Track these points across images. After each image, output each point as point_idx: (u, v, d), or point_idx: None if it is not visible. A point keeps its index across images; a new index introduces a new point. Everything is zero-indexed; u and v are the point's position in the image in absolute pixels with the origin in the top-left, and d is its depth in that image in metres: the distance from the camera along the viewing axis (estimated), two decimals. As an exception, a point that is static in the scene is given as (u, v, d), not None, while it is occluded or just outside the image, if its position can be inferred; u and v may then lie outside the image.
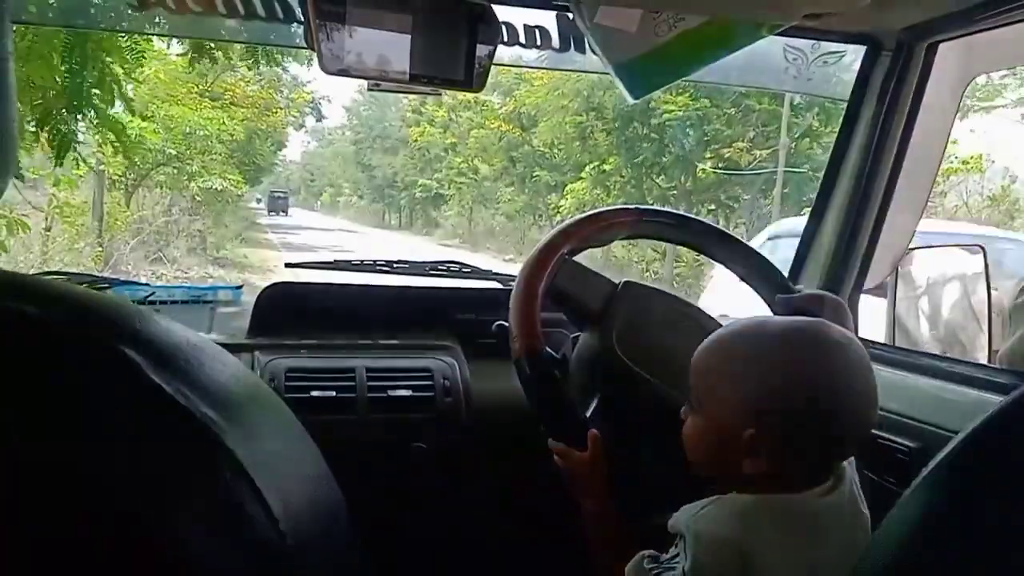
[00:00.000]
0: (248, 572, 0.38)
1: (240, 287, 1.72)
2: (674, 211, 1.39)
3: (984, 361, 1.60)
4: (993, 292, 1.56)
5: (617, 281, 1.27)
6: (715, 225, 1.41)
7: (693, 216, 1.41)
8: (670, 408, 1.14)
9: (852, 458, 0.91)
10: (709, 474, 0.91)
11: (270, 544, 0.38)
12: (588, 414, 1.13)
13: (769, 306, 1.35)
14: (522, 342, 1.14)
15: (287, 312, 1.48)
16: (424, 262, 1.73)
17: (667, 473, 1.07)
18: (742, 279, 1.38)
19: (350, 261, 1.69)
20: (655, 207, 1.41)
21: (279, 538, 0.38)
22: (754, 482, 0.84)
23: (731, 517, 0.83)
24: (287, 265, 1.69)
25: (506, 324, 1.27)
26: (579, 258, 1.29)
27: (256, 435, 0.43)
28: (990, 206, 11.37)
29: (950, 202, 11.54)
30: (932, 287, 1.74)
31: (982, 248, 1.66)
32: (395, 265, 1.70)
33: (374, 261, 1.70)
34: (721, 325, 1.30)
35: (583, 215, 1.31)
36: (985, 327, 1.60)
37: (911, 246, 1.71)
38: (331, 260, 1.68)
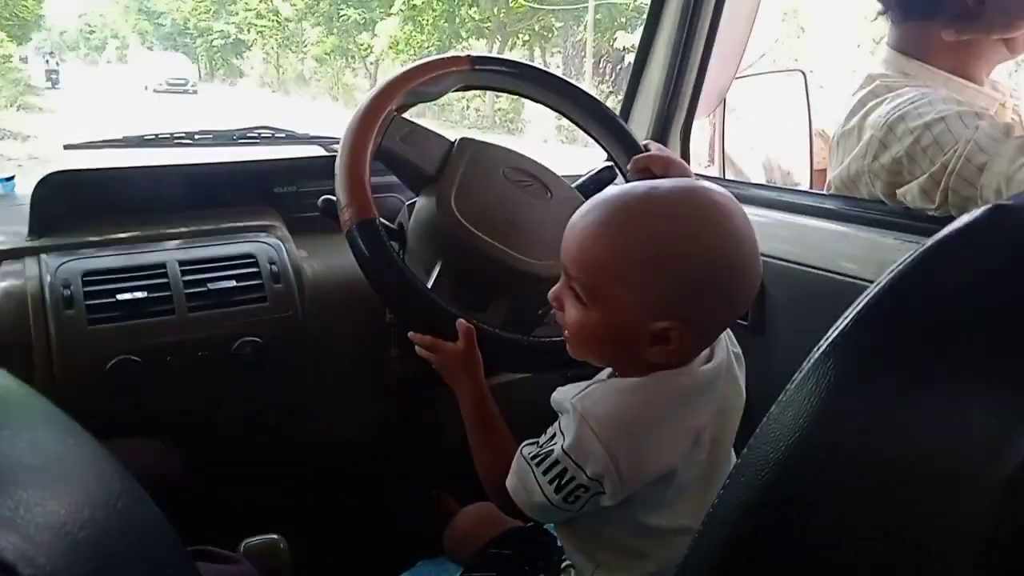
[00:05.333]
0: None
1: (11, 177, 1.47)
2: (511, 58, 1.27)
3: (806, 187, 1.65)
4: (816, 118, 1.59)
5: (452, 139, 1.18)
6: (557, 74, 1.29)
7: (532, 64, 1.29)
8: (514, 270, 1.09)
9: None
10: (610, 363, 0.85)
11: None
12: (430, 284, 1.06)
13: (616, 165, 1.30)
14: (352, 211, 1.03)
15: (74, 204, 1.28)
16: (230, 130, 1.53)
17: (516, 336, 1.04)
18: (589, 134, 1.30)
19: (143, 136, 1.48)
20: (489, 55, 1.28)
21: None
22: (653, 367, 0.79)
23: (619, 396, 0.79)
24: (66, 147, 1.45)
25: (333, 197, 1.16)
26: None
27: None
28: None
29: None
30: (756, 116, 1.75)
31: (803, 73, 1.67)
32: (196, 136, 1.50)
33: (171, 134, 1.49)
34: (561, 179, 1.24)
35: (409, 66, 1.18)
36: (807, 154, 1.64)
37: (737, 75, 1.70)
38: (119, 136, 1.46)
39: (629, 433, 0.77)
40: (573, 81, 1.32)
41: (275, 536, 1.04)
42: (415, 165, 1.14)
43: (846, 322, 0.46)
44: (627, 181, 1.29)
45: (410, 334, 1.01)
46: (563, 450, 0.78)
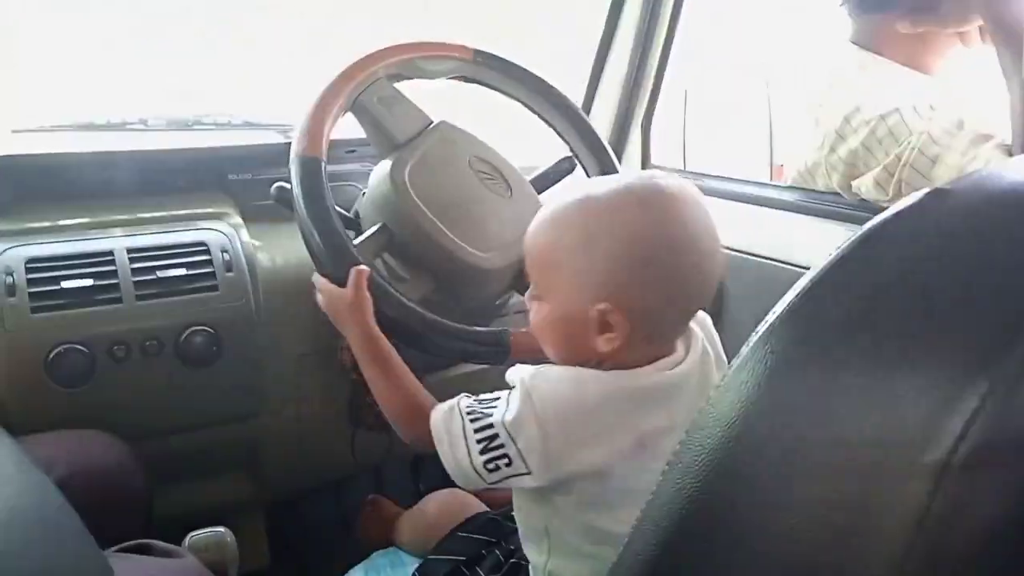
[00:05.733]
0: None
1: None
2: (515, 61, 1.25)
3: (767, 179, 1.66)
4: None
5: (434, 119, 1.16)
6: (555, 86, 1.27)
7: (534, 71, 1.26)
8: (448, 253, 1.06)
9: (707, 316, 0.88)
10: (565, 362, 0.82)
11: None
12: (358, 241, 1.03)
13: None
14: (303, 143, 1.01)
15: (19, 190, 1.24)
16: (185, 117, 1.51)
17: (437, 320, 1.00)
18: (571, 149, 1.29)
19: (93, 121, 1.44)
20: (494, 52, 1.25)
21: None
22: (607, 361, 0.78)
23: (569, 380, 0.78)
24: (14, 132, 1.41)
25: (286, 184, 1.14)
26: None
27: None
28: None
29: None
30: (716, 107, 1.75)
31: (764, 69, 1.68)
32: (150, 122, 1.47)
33: (123, 120, 1.46)
34: (527, 182, 1.23)
35: (413, 40, 1.18)
36: (768, 144, 1.65)
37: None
38: (69, 122, 1.43)
39: (566, 417, 0.76)
40: (568, 97, 1.30)
41: (221, 529, 1.02)
42: (385, 129, 1.13)
43: (783, 307, 0.46)
44: None
45: (313, 276, 0.99)
46: (501, 420, 0.77)
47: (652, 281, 0.76)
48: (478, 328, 1.03)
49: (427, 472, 1.68)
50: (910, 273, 0.42)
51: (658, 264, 0.75)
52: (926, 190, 0.45)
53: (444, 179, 1.13)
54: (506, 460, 0.76)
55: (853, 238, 0.45)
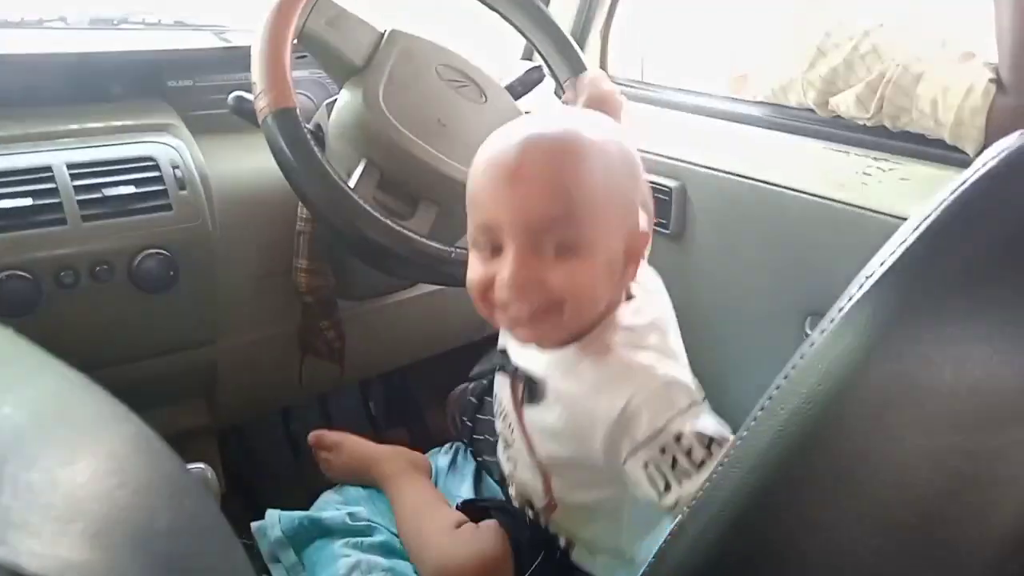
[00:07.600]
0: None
1: None
2: None
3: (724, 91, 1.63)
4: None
5: (382, 29, 1.08)
6: None
7: None
8: (443, 176, 1.03)
9: None
10: (608, 306, 0.75)
11: None
12: (353, 183, 0.98)
13: (558, 84, 1.23)
14: (272, 95, 0.94)
15: None
16: (109, 17, 1.36)
17: (445, 249, 0.98)
18: (538, 51, 1.23)
19: (5, 19, 1.29)
20: None
21: None
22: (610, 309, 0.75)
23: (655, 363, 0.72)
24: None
25: (245, 95, 1.06)
26: None
27: None
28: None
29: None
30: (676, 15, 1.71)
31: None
32: (69, 20, 1.32)
33: (39, 18, 1.31)
34: (497, 83, 1.17)
35: None
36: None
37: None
38: (-25, 18, 1.27)
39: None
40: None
41: (202, 465, 0.97)
42: (340, 53, 1.05)
43: (890, 256, 0.43)
44: (559, 95, 1.24)
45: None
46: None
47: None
48: None
49: (377, 401, 1.65)
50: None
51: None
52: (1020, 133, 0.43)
53: (418, 97, 1.07)
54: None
55: (963, 186, 0.43)
